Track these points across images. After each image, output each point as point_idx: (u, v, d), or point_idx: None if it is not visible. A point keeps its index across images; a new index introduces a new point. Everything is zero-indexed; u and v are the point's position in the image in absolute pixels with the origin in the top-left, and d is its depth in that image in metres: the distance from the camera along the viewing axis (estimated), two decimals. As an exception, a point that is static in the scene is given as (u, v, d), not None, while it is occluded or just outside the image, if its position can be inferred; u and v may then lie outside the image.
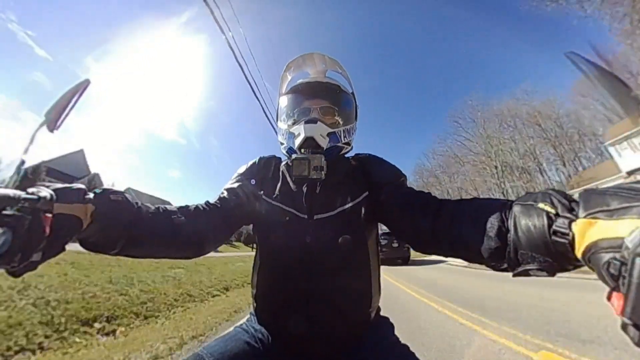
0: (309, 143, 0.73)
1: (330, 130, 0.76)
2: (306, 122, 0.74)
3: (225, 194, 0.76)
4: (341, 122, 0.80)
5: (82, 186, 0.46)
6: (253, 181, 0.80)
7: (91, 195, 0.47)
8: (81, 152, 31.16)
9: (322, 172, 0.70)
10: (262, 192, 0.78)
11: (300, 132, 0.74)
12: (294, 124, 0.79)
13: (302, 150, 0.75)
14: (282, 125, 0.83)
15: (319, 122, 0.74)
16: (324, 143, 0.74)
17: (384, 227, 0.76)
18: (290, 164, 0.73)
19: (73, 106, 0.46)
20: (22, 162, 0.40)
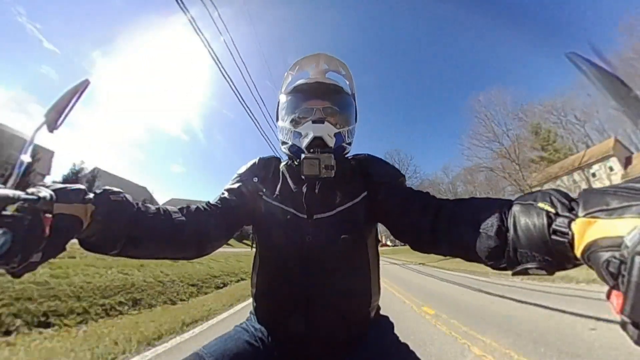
0: (317, 142, 0.73)
1: (337, 130, 0.77)
2: (314, 122, 0.75)
3: (226, 194, 0.76)
4: (343, 123, 0.81)
5: (82, 186, 0.46)
6: (256, 179, 0.80)
7: (91, 195, 0.47)
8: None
9: (332, 171, 0.70)
10: (262, 192, 0.78)
11: (309, 131, 0.74)
12: (297, 123, 0.79)
13: (311, 149, 0.74)
14: (284, 124, 0.83)
15: (326, 122, 0.75)
16: (332, 143, 0.75)
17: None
18: (298, 163, 0.73)
19: (73, 106, 0.45)
20: (22, 162, 0.40)
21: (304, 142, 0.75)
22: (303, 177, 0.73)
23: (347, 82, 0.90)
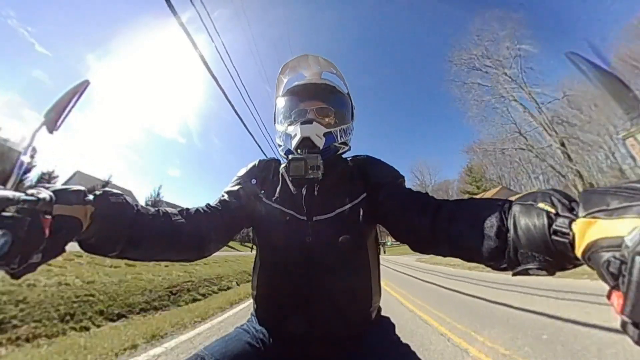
0: (305, 143, 0.74)
1: (326, 130, 0.76)
2: (302, 123, 0.75)
3: (226, 196, 0.76)
4: (337, 123, 0.81)
5: (82, 188, 0.46)
6: (254, 180, 0.80)
7: (91, 196, 0.47)
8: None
9: (319, 172, 0.70)
10: (261, 194, 0.78)
11: (297, 132, 0.75)
12: (290, 125, 0.79)
13: (299, 150, 0.75)
14: (280, 127, 0.84)
15: (314, 123, 0.75)
16: (320, 143, 0.75)
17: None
18: (288, 164, 0.73)
19: (73, 107, 0.45)
20: (22, 163, 0.40)
21: (293, 143, 0.75)
22: (290, 178, 0.73)
23: (341, 81, 0.90)
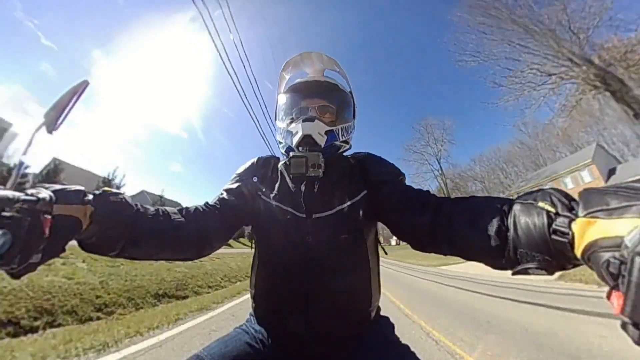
0: (307, 141, 0.73)
1: (328, 128, 0.76)
2: (304, 121, 0.74)
3: (225, 194, 0.76)
4: (339, 121, 0.80)
5: (82, 188, 0.46)
6: (255, 178, 0.79)
7: (90, 196, 0.47)
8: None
9: (320, 170, 0.70)
10: (261, 191, 0.78)
11: (298, 130, 0.74)
12: (292, 122, 0.79)
13: (300, 148, 0.75)
14: (281, 124, 0.83)
15: (316, 120, 0.74)
16: (322, 141, 0.74)
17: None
18: (288, 162, 0.73)
19: (72, 107, 0.45)
20: (22, 163, 0.40)
21: (294, 141, 0.75)
22: (290, 175, 0.73)
23: (344, 79, 0.89)
